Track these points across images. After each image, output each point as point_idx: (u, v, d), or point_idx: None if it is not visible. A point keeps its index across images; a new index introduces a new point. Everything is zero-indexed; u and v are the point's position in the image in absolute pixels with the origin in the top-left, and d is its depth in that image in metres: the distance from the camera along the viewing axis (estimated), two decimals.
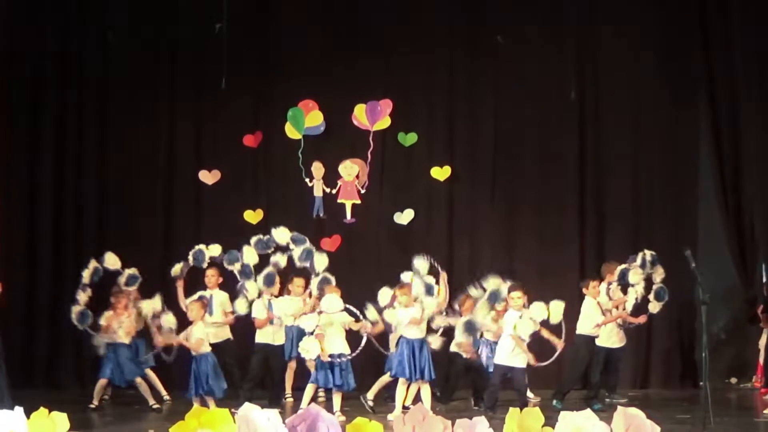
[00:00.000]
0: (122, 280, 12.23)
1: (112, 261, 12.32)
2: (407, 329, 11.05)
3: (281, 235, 11.91)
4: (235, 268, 11.93)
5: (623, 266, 12.09)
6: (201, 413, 7.22)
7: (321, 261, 11.66)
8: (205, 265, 12.20)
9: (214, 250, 12.15)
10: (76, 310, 12.07)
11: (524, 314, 11.09)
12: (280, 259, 11.80)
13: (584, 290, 12.01)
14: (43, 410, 7.58)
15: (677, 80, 14.15)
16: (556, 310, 11.17)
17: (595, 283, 11.99)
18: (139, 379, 12.08)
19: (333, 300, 11.07)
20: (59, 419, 7.58)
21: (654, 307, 12.32)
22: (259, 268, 11.87)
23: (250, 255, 11.86)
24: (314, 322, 10.97)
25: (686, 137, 14.20)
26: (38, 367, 13.72)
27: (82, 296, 12.15)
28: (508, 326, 11.14)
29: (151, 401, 12.01)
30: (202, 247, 12.19)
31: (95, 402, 11.88)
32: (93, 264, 12.25)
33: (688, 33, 14.14)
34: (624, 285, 12.16)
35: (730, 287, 13.72)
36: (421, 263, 11.39)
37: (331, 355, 10.90)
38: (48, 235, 13.79)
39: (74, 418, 7.80)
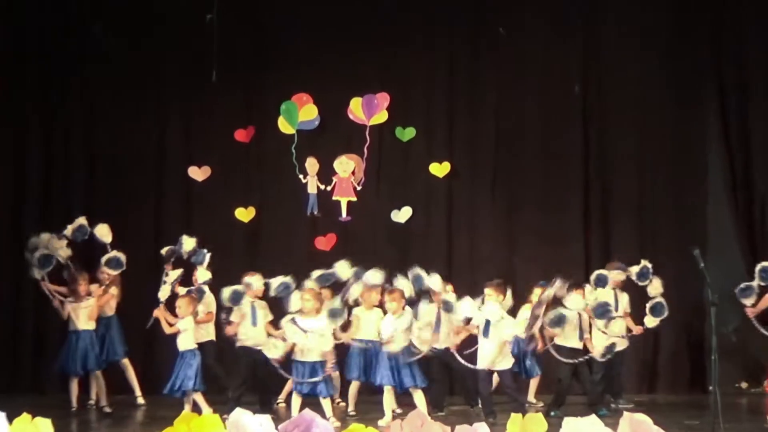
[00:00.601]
0: (104, 259, 12.07)
1: (103, 232, 12.14)
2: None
3: (343, 269, 11.47)
4: (200, 271, 11.80)
5: (600, 271, 12.15)
6: (190, 418, 7.22)
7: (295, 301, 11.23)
8: (185, 256, 11.94)
9: (189, 244, 11.90)
10: (42, 251, 11.87)
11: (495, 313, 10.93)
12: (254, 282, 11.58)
13: None
14: (26, 416, 7.57)
15: (684, 76, 14.10)
16: (507, 329, 10.94)
17: (579, 291, 11.79)
18: (98, 373, 12.03)
19: (325, 341, 10.85)
20: (42, 425, 7.56)
21: (650, 321, 12.12)
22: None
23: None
24: (299, 339, 10.80)
25: (694, 133, 14.17)
26: (23, 371, 13.66)
27: (56, 243, 11.92)
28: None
29: (103, 402, 11.98)
30: (184, 237, 11.99)
31: (74, 404, 11.93)
32: (81, 220, 12.12)
33: (696, 28, 14.12)
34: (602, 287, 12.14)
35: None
36: (434, 281, 11.13)
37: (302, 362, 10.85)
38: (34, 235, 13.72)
39: (58, 424, 7.78)
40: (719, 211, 14.02)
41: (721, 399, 9.25)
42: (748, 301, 11.33)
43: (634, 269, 12.21)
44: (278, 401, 12.21)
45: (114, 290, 12.27)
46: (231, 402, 10.84)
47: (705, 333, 13.28)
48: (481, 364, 10.95)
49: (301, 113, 14.05)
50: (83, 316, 11.89)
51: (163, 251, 12.03)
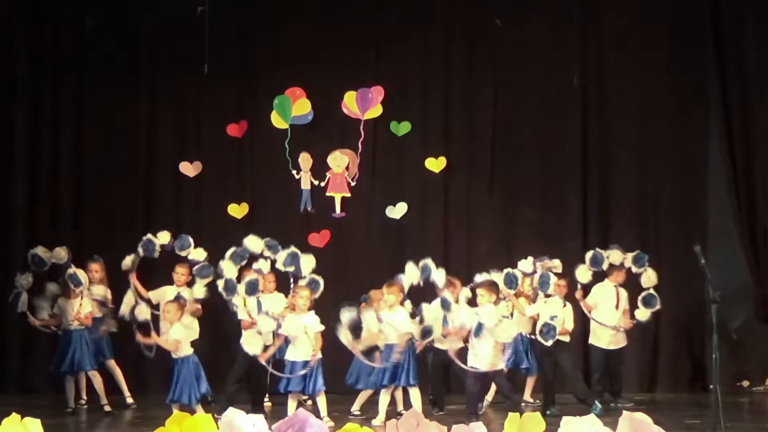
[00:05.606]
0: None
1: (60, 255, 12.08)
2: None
3: (254, 243, 11.51)
4: (187, 253, 11.62)
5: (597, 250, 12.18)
6: (182, 419, 7.21)
7: (307, 263, 11.36)
8: (156, 255, 11.75)
9: (164, 237, 11.70)
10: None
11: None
12: (263, 266, 11.38)
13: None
14: (15, 416, 7.57)
15: (685, 69, 14.15)
16: (507, 332, 10.79)
17: (562, 282, 11.81)
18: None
19: (292, 320, 10.84)
20: (32, 425, 7.57)
21: (642, 314, 12.14)
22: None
23: (229, 269, 11.35)
24: (271, 327, 10.83)
25: (694, 127, 14.19)
26: (10, 370, 13.68)
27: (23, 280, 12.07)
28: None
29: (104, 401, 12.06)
30: (150, 236, 11.75)
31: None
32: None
33: (696, 20, 14.16)
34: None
35: (742, 285, 13.73)
36: (439, 276, 11.14)
37: (278, 359, 10.85)
38: (22, 234, 13.71)
39: (48, 424, 7.78)
40: (720, 206, 14.03)
41: (722, 398, 9.29)
42: None
43: (631, 255, 12.25)
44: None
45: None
46: (225, 398, 10.86)
47: (706, 330, 13.32)
48: (476, 365, 10.79)
49: (295, 108, 14.06)
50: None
51: (126, 262, 11.76)
